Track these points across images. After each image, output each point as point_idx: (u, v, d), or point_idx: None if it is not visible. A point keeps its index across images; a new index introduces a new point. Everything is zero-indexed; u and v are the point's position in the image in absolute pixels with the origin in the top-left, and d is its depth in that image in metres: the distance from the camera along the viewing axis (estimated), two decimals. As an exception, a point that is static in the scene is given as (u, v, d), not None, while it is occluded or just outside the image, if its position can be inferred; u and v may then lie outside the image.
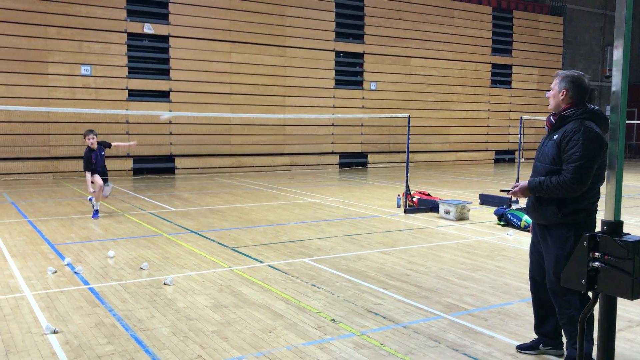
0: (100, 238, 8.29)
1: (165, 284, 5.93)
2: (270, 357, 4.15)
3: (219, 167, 18.99)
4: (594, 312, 3.36)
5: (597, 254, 2.87)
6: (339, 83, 21.34)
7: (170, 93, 18.19)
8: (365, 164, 22.06)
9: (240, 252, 7.44)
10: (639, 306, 5.38)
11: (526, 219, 9.01)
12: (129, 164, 17.66)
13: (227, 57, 19.02)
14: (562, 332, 4.15)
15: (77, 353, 4.19)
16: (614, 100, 2.85)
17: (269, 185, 15.39)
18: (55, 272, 6.36)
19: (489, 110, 25.26)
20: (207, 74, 18.70)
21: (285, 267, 6.72)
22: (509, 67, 25.79)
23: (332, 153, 21.32)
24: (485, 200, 12.07)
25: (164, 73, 18.25)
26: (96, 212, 10.14)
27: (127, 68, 17.54)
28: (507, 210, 9.69)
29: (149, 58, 18.20)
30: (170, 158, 18.41)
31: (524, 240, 8.43)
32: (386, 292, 5.77)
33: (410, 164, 13.24)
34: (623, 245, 2.77)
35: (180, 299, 5.48)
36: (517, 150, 18.32)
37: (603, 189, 3.90)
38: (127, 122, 17.38)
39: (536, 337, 4.34)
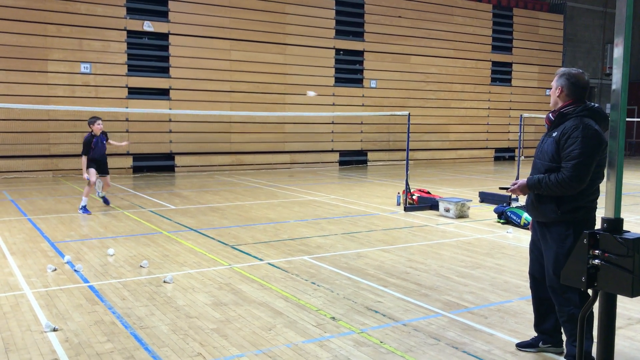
0: (99, 236, 8.29)
1: (165, 281, 5.93)
2: (270, 355, 4.15)
3: (219, 165, 18.99)
4: (594, 310, 3.36)
5: (597, 251, 2.87)
6: (338, 81, 21.33)
7: (170, 91, 18.18)
8: (365, 161, 22.06)
9: (240, 250, 7.44)
10: (639, 304, 5.38)
11: (526, 216, 9.01)
12: (128, 161, 17.65)
13: (227, 55, 19.01)
14: (562, 330, 4.15)
15: (76, 351, 4.19)
16: (614, 97, 2.85)
17: (269, 183, 15.38)
18: (55, 269, 6.36)
19: (489, 108, 25.25)
20: (207, 71, 18.68)
21: (285, 264, 6.71)
22: (509, 64, 25.77)
23: (332, 151, 21.31)
24: (485, 198, 12.07)
25: (164, 71, 18.24)
26: (84, 207, 10.10)
27: (126, 66, 17.53)
28: (507, 208, 9.69)
29: (148, 56, 18.18)
30: (170, 156, 18.40)
31: (524, 238, 8.43)
32: (386, 289, 5.77)
33: (410, 161, 13.24)
34: (623, 243, 2.76)
35: (180, 296, 5.48)
36: (517, 148, 18.32)
37: (602, 186, 3.90)
38: (127, 120, 17.37)
39: (536, 334, 4.34)
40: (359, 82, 21.83)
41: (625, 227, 2.92)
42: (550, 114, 4.09)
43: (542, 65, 26.48)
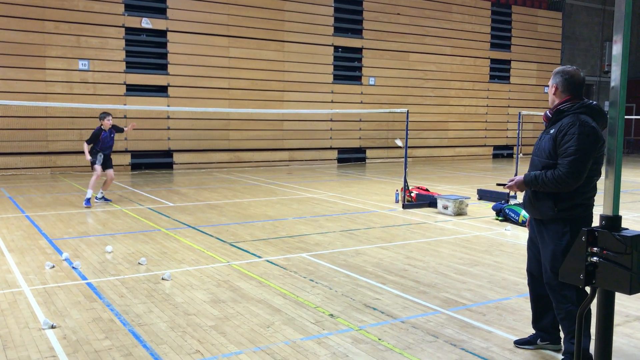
0: (98, 233, 8.29)
1: (163, 279, 5.92)
2: (268, 352, 4.15)
3: (217, 162, 18.97)
4: (591, 307, 3.36)
5: (595, 248, 2.87)
6: (337, 78, 21.31)
7: (168, 88, 18.15)
8: (363, 159, 22.05)
9: (238, 247, 7.44)
10: (637, 301, 5.39)
11: (524, 214, 9.02)
12: (127, 159, 17.63)
13: (226, 52, 18.98)
14: (560, 327, 4.15)
15: (74, 348, 4.19)
16: (613, 95, 2.84)
17: (267, 180, 15.38)
18: (53, 267, 6.35)
19: (487, 106, 25.25)
20: (205, 68, 18.66)
21: (283, 262, 6.71)
22: (508, 62, 25.77)
23: (331, 148, 21.30)
24: (483, 195, 12.08)
25: (162, 68, 18.20)
26: (88, 200, 10.53)
27: (124, 63, 17.49)
28: (505, 205, 9.70)
29: (146, 53, 18.14)
30: (168, 153, 18.38)
31: (522, 235, 8.44)
32: (384, 287, 5.78)
33: (408, 159, 13.24)
34: (621, 240, 2.76)
35: (178, 294, 5.48)
36: (516, 145, 18.34)
37: (600, 184, 3.90)
38: (125, 117, 17.33)
39: (534, 332, 4.35)
40: (357, 79, 21.81)
41: (623, 225, 2.92)
42: (547, 112, 4.10)
43: (541, 62, 26.49)
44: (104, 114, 10.76)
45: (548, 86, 4.15)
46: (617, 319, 4.50)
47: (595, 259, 2.86)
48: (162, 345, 4.25)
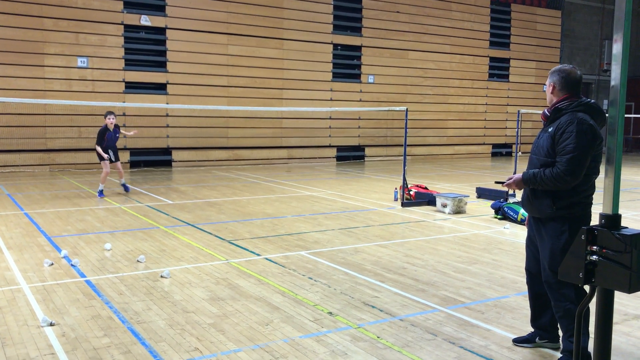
0: (97, 230, 8.28)
1: (162, 276, 5.92)
2: (267, 349, 4.15)
3: (216, 160, 18.96)
4: (590, 306, 3.36)
5: (594, 247, 2.87)
6: (336, 76, 21.29)
7: (167, 85, 18.14)
8: (362, 157, 22.05)
9: (237, 245, 7.43)
10: (635, 300, 5.40)
11: (523, 212, 9.02)
12: (125, 156, 17.60)
13: (225, 50, 18.96)
14: (558, 325, 4.16)
15: (73, 345, 4.19)
16: (612, 94, 2.84)
17: (267, 178, 15.37)
18: (52, 264, 6.34)
19: (486, 104, 25.25)
20: (205, 66, 18.64)
21: (282, 260, 6.71)
22: (507, 60, 25.77)
23: (330, 146, 21.30)
24: (482, 193, 12.08)
25: (161, 65, 18.18)
26: (101, 192, 11.40)
27: (123, 60, 17.47)
28: (504, 203, 9.70)
29: (145, 50, 18.12)
30: (167, 151, 18.37)
31: (521, 233, 8.45)
32: (383, 285, 5.78)
33: (407, 157, 13.23)
34: (621, 239, 2.76)
35: (177, 291, 5.48)
36: (515, 144, 18.36)
37: (599, 182, 3.91)
38: (124, 115, 17.32)
39: (532, 330, 4.35)
40: (356, 77, 21.80)
41: (622, 223, 2.92)
42: (546, 110, 4.11)
43: (540, 61, 26.48)
44: (107, 113, 11.54)
45: (546, 85, 4.15)
46: (615, 318, 4.49)
47: (594, 257, 2.86)
48: (160, 343, 4.25)
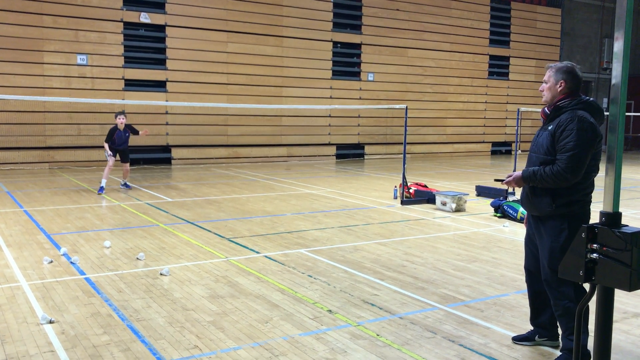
0: (96, 228, 8.27)
1: (161, 274, 5.92)
2: (266, 347, 4.15)
3: (216, 158, 18.95)
4: (589, 304, 3.36)
5: (595, 245, 2.86)
6: (336, 74, 21.27)
7: (167, 83, 18.12)
8: (362, 155, 22.04)
9: (236, 243, 7.43)
10: (634, 298, 5.40)
11: (522, 210, 9.02)
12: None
13: (224, 47, 18.94)
14: (558, 324, 4.16)
15: (73, 343, 4.19)
16: (614, 92, 2.84)
17: (266, 176, 15.37)
18: (51, 262, 6.34)
19: (486, 102, 25.24)
20: (204, 63, 18.61)
21: (281, 257, 6.71)
22: (507, 58, 25.75)
23: (329, 144, 21.29)
24: (481, 191, 12.08)
25: (161, 63, 18.16)
26: (101, 188, 11.50)
27: (123, 57, 17.44)
28: (503, 202, 9.70)
29: (145, 47, 18.09)
30: (167, 148, 18.35)
31: (520, 231, 8.45)
32: (382, 283, 5.78)
33: (407, 155, 13.22)
34: (621, 237, 2.76)
35: (177, 289, 5.48)
36: (514, 142, 18.33)
37: (598, 180, 3.90)
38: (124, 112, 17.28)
39: (532, 328, 4.35)
40: (356, 75, 21.78)
41: (622, 222, 2.91)
42: (546, 108, 4.10)
43: (540, 59, 26.46)
44: (116, 113, 11.90)
45: (544, 83, 4.10)
46: (615, 316, 4.49)
47: (595, 255, 2.86)
48: (160, 341, 4.25)
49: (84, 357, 3.96)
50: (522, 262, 4.80)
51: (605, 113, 4.38)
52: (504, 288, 5.70)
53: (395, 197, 11.44)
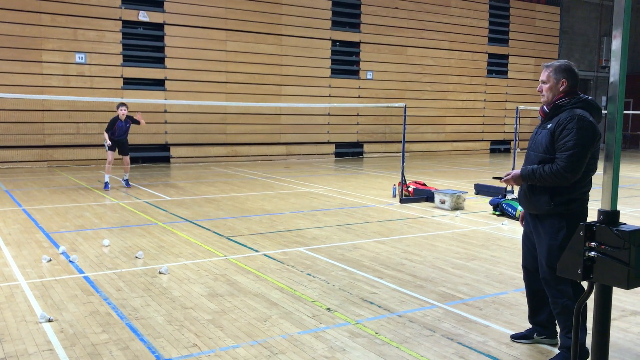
0: (95, 227, 8.27)
1: (160, 272, 5.92)
2: (265, 345, 4.15)
3: (215, 156, 18.94)
4: (588, 302, 3.37)
5: (593, 243, 2.87)
6: (335, 72, 21.27)
7: (166, 81, 18.10)
8: (361, 153, 22.04)
9: (235, 241, 7.43)
10: (633, 296, 5.41)
11: (521, 209, 9.02)
12: (124, 152, 17.57)
13: (223, 46, 18.92)
14: (556, 322, 4.16)
15: (71, 341, 4.19)
16: (612, 90, 2.84)
17: (265, 174, 15.37)
18: (50, 260, 6.34)
19: (485, 100, 25.24)
20: (203, 62, 18.60)
21: (280, 256, 6.71)
22: (506, 57, 25.74)
23: (328, 143, 21.28)
24: (480, 190, 12.09)
25: (159, 61, 18.14)
26: (106, 184, 11.72)
27: (121, 56, 17.42)
28: (502, 200, 9.71)
29: (144, 46, 18.06)
30: (166, 147, 18.35)
31: (519, 230, 8.44)
32: (381, 281, 5.78)
33: (406, 153, 13.23)
34: (619, 235, 2.76)
35: (176, 287, 5.48)
36: (513, 140, 18.34)
37: (595, 178, 3.91)
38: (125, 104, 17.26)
39: (530, 326, 4.36)
40: (355, 73, 21.77)
41: (620, 220, 2.92)
42: (544, 106, 4.10)
43: (539, 57, 26.44)
44: (119, 104, 11.84)
45: (542, 84, 4.09)
46: (613, 314, 4.50)
47: (593, 253, 2.86)
48: (159, 339, 4.25)
49: (83, 355, 3.97)
50: (521, 260, 4.80)
51: (604, 111, 4.38)
52: (503, 286, 5.71)
53: (394, 196, 11.44)
